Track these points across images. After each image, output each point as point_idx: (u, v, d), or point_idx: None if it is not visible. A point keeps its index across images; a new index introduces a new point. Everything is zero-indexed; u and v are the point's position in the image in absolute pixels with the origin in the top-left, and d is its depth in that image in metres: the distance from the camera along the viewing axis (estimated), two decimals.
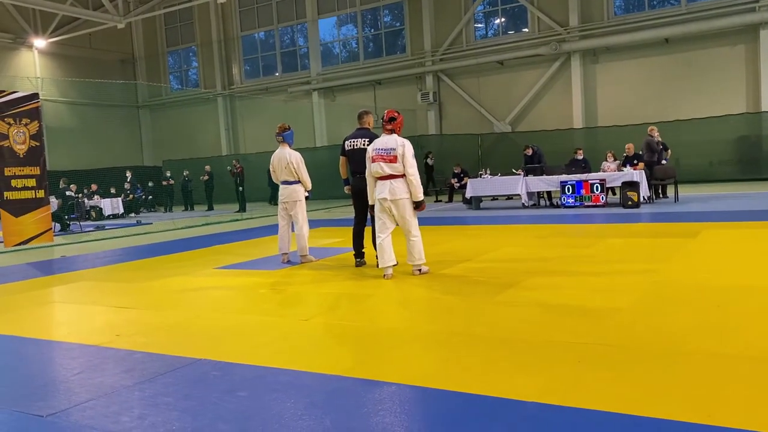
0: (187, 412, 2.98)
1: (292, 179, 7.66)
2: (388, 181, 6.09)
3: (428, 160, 19.97)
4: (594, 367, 3.26)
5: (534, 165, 14.64)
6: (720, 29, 19.62)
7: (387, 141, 6.14)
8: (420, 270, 6.26)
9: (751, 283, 5.08)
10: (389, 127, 6.23)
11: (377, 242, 6.27)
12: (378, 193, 6.17)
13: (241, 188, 20.05)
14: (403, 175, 6.07)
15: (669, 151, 14.53)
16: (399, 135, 6.25)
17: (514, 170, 14.70)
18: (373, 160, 6.17)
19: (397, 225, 6.25)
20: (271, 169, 7.80)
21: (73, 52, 28.83)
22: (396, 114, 6.32)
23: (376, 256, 6.45)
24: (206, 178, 22.40)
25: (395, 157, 6.04)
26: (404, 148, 6.04)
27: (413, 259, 6.23)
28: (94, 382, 3.53)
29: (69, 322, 5.36)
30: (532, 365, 3.35)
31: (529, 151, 15.52)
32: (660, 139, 14.08)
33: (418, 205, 6.17)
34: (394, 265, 6.23)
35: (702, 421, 2.50)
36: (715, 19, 19.62)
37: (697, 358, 3.30)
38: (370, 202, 6.45)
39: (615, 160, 14.31)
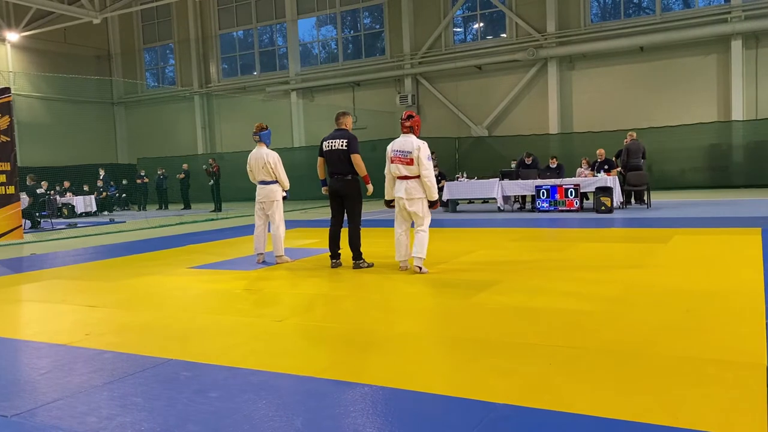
0: (157, 412, 2.95)
1: (270, 179, 7.63)
2: (405, 181, 6.45)
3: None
4: (565, 369, 3.30)
5: (530, 170, 14.83)
6: (693, 39, 20.01)
7: (404, 143, 6.44)
8: (420, 268, 6.40)
9: (719, 288, 5.18)
10: (408, 124, 6.52)
11: (395, 236, 6.65)
12: (396, 191, 6.55)
13: (216, 187, 19.90)
14: (419, 176, 6.39)
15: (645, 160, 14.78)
16: (417, 135, 6.54)
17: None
18: (392, 161, 6.51)
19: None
20: (248, 169, 7.75)
21: (47, 47, 28.34)
22: (414, 113, 6.70)
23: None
24: (183, 176, 22.15)
25: (412, 159, 6.37)
26: (419, 151, 6.36)
27: (416, 251, 6.43)
28: (61, 381, 3.47)
29: (37, 321, 5.26)
30: (504, 367, 3.38)
31: (529, 160, 15.55)
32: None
33: (432, 204, 6.55)
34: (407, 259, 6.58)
35: (669, 423, 2.55)
36: (688, 29, 20.01)
37: (665, 361, 3.35)
38: (387, 198, 6.76)
39: (589, 166, 14.50)
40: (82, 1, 24.69)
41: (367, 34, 26.72)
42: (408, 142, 6.42)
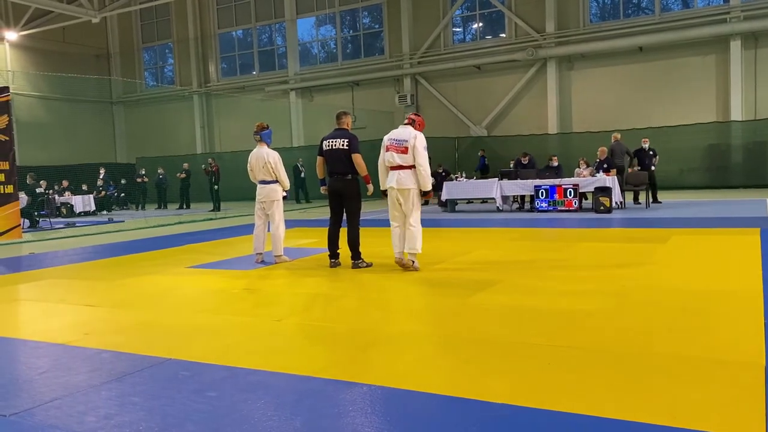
0: (155, 412, 2.94)
1: (270, 179, 7.63)
2: (397, 171, 6.40)
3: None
4: (563, 369, 3.30)
5: (528, 170, 14.85)
6: (692, 39, 20.03)
7: (402, 132, 6.46)
8: (413, 262, 6.44)
9: (717, 288, 5.19)
10: (411, 116, 6.60)
11: (392, 230, 6.61)
12: (388, 181, 6.51)
13: (216, 187, 19.90)
14: (412, 167, 6.35)
15: (635, 159, 14.82)
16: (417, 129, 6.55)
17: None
18: (387, 149, 6.48)
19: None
20: (248, 168, 7.76)
21: (46, 46, 28.32)
22: (419, 114, 6.84)
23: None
24: (183, 176, 22.11)
25: (406, 148, 6.34)
26: (416, 140, 6.35)
27: (408, 247, 6.43)
28: (60, 381, 3.47)
29: (36, 320, 5.26)
30: (503, 367, 3.38)
31: (526, 159, 15.55)
32: (647, 146, 14.49)
33: (425, 194, 6.54)
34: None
35: (667, 422, 2.54)
36: (687, 29, 20.03)
37: (664, 361, 3.35)
38: (381, 188, 6.70)
39: (588, 166, 14.49)
40: (80, 1, 24.67)
41: (366, 34, 26.72)
42: (405, 131, 6.44)
